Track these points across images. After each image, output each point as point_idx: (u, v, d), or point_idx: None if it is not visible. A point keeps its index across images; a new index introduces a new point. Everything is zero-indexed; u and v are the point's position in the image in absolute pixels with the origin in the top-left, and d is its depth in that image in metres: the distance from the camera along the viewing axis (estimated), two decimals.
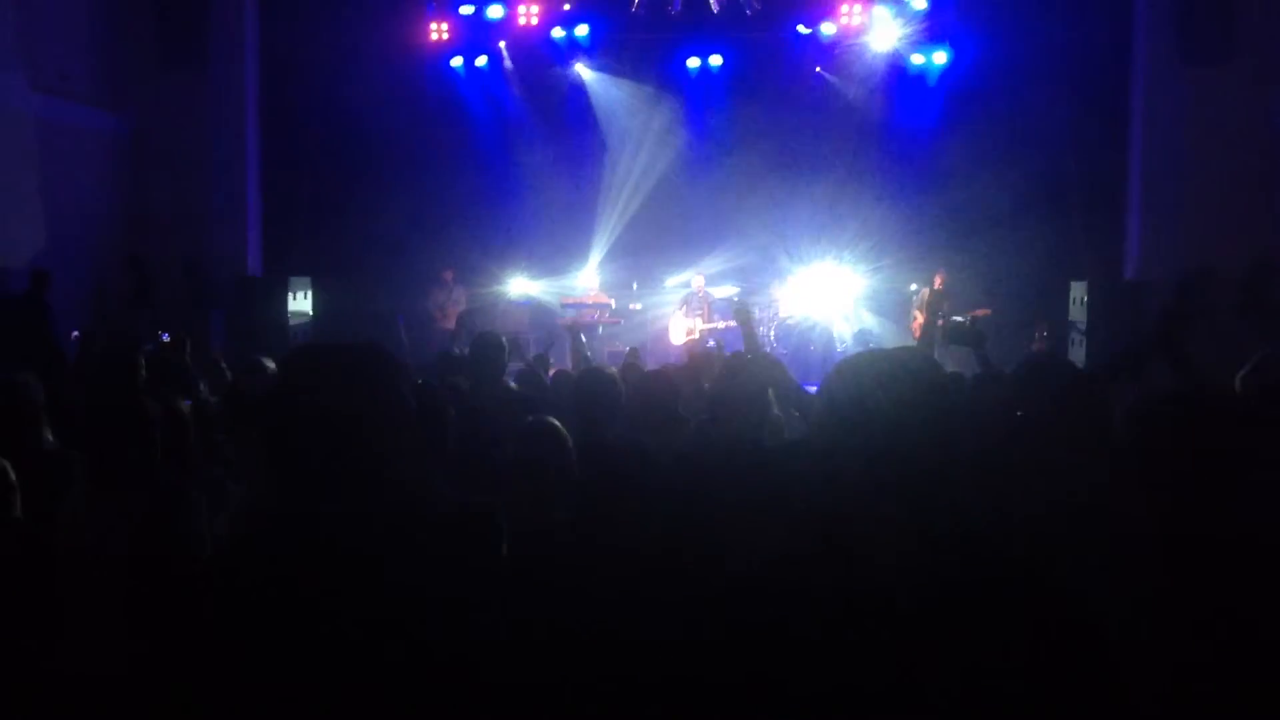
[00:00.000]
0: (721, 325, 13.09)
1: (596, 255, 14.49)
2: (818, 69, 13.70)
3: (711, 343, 12.09)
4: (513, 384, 5.40)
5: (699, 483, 3.41)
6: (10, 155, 11.02)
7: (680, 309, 13.48)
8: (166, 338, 10.57)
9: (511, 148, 14.28)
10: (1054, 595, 1.65)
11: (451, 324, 13.65)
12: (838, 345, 12.70)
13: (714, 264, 13.95)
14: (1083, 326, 11.64)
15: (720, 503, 3.23)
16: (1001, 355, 11.03)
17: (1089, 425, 2.90)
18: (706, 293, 13.45)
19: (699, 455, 3.69)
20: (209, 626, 1.70)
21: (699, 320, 13.21)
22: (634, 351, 9.31)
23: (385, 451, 1.69)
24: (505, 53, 13.90)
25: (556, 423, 3.35)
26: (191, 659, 2.53)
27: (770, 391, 3.60)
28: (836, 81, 13.64)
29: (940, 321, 10.96)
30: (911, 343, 11.20)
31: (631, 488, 2.75)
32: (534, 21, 13.65)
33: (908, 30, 13.15)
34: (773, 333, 13.12)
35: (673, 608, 2.34)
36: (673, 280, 14.18)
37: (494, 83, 14.13)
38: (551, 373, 6.75)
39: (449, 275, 13.64)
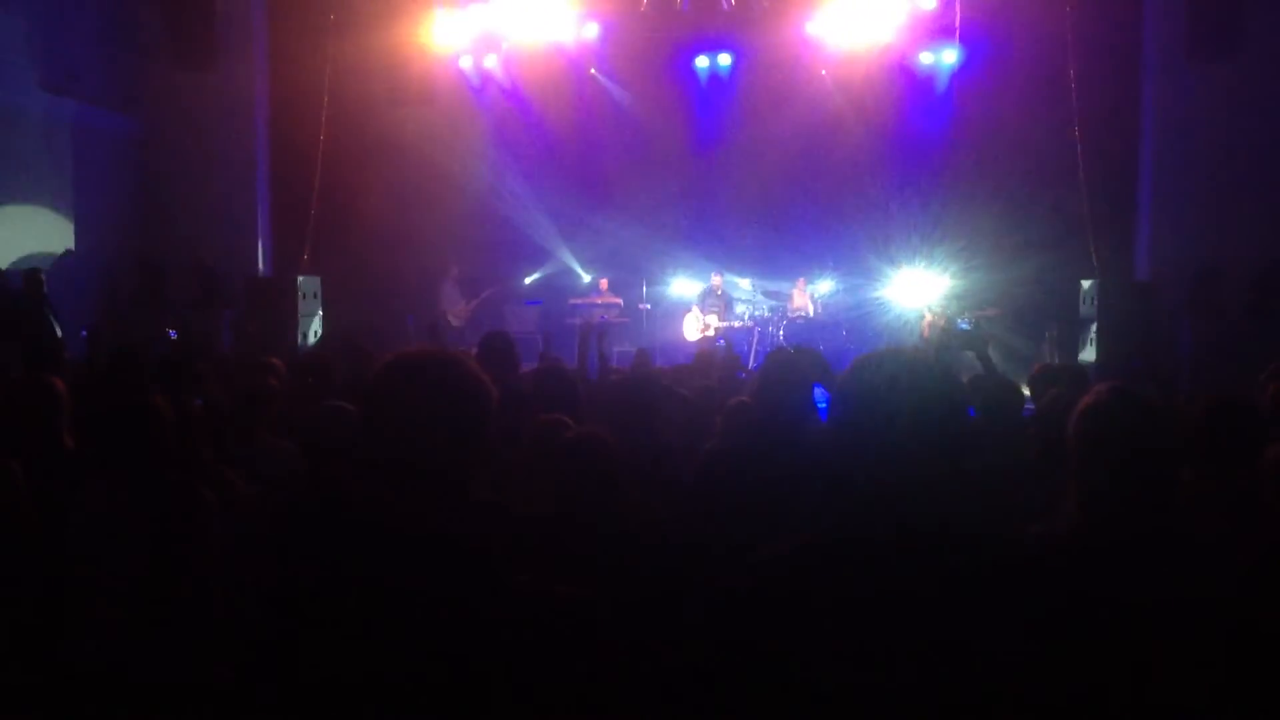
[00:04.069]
0: (738, 324, 13.11)
1: (602, 253, 14.48)
2: (823, 72, 13.64)
3: (721, 341, 12.06)
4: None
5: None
6: (20, 155, 11.06)
7: (696, 305, 13.52)
8: (174, 336, 10.62)
9: (519, 147, 14.29)
10: (1065, 593, 1.64)
11: (460, 322, 13.70)
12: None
13: (723, 263, 13.93)
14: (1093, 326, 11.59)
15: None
16: (1009, 354, 11.07)
17: None
18: (724, 290, 13.48)
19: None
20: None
21: (715, 317, 13.25)
22: (643, 352, 9.22)
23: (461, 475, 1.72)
24: (514, 53, 13.86)
25: (567, 419, 3.38)
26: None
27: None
28: (844, 81, 13.59)
29: (942, 324, 10.95)
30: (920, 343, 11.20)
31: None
32: (542, 21, 13.62)
33: (916, 29, 13.10)
34: (781, 331, 13.09)
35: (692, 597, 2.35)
36: (679, 284, 14.20)
37: (502, 82, 14.12)
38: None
39: (454, 271, 13.79)
